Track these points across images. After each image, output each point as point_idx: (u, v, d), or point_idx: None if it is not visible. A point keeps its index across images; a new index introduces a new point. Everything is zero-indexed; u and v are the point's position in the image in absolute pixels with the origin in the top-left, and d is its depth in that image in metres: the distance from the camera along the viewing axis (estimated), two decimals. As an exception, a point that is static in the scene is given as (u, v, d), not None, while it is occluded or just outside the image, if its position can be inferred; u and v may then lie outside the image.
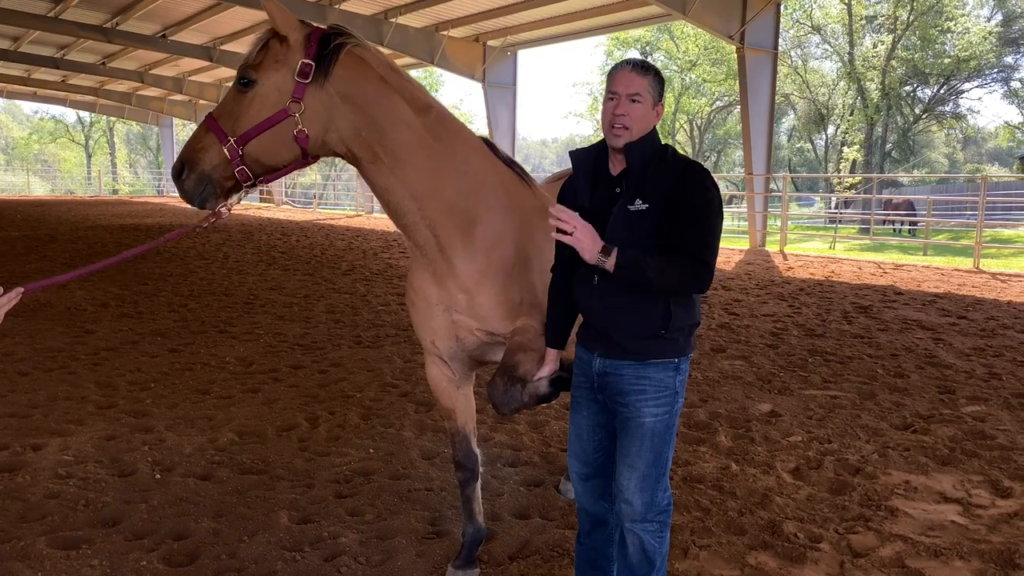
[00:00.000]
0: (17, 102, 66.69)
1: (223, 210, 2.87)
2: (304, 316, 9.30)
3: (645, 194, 2.56)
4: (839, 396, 6.16)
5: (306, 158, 2.85)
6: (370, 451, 4.96)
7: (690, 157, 2.70)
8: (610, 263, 2.46)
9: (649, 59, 44.79)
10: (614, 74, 2.61)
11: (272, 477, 4.52)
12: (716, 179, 2.73)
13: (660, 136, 2.70)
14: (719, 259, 11.35)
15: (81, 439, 5.04)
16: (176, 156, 2.84)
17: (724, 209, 2.69)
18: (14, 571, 3.38)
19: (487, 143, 3.23)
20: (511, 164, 3.28)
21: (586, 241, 2.47)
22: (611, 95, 2.60)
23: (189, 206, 3.05)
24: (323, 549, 3.67)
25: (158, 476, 4.50)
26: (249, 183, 2.80)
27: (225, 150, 2.71)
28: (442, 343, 3.16)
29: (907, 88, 40.14)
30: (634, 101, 2.56)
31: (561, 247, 2.81)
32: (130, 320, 8.91)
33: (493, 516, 4.02)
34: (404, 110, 2.86)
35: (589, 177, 2.73)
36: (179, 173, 2.80)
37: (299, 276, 12.61)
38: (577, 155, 2.77)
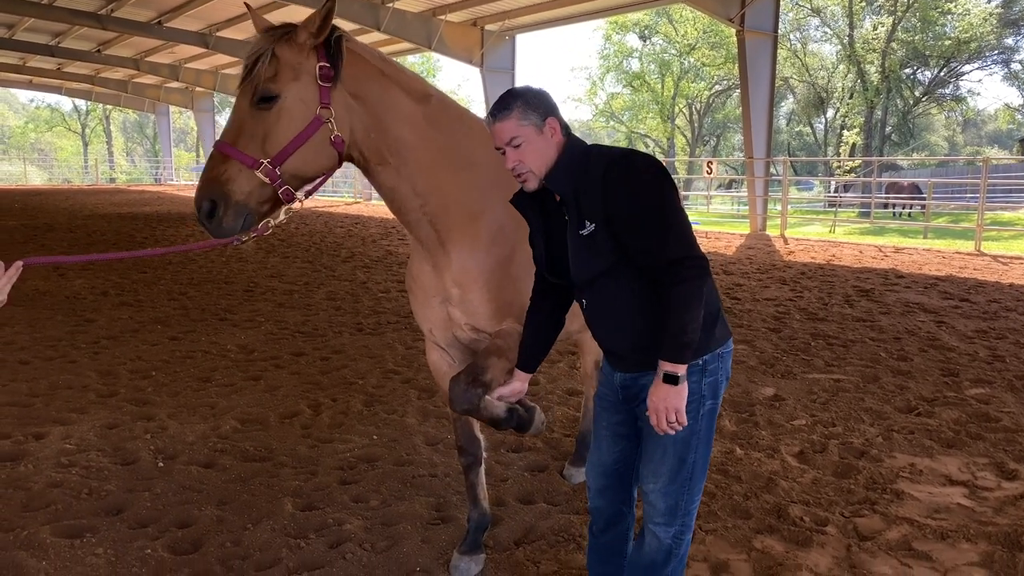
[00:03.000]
0: (12, 90, 66.31)
1: (261, 228, 2.77)
2: (304, 303, 9.27)
3: (587, 214, 2.38)
4: (842, 380, 6.14)
5: (339, 163, 2.77)
6: (373, 437, 4.95)
7: (615, 150, 2.45)
8: (683, 369, 2.31)
9: (647, 43, 44.60)
10: (490, 130, 2.45)
11: (275, 464, 4.50)
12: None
13: (579, 140, 2.49)
14: (719, 244, 11.36)
15: (83, 428, 5.02)
16: (199, 194, 2.59)
17: (669, 182, 2.39)
18: (18, 560, 3.37)
19: None
20: None
21: (674, 401, 2.33)
22: (498, 149, 2.46)
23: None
24: (328, 536, 3.66)
25: (161, 464, 4.48)
26: (292, 200, 2.69)
27: (258, 174, 2.57)
28: (439, 332, 3.14)
29: (907, 71, 39.97)
30: (516, 146, 2.40)
31: (537, 269, 2.70)
32: (130, 308, 8.88)
33: (498, 502, 4.01)
34: (405, 102, 2.80)
35: (539, 215, 2.59)
36: (212, 212, 2.58)
37: (299, 263, 12.58)
38: (518, 200, 2.62)
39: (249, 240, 2.77)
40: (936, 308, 8.92)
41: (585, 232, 2.39)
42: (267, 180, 2.58)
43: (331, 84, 2.64)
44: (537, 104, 2.40)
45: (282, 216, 2.77)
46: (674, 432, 2.39)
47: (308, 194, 2.74)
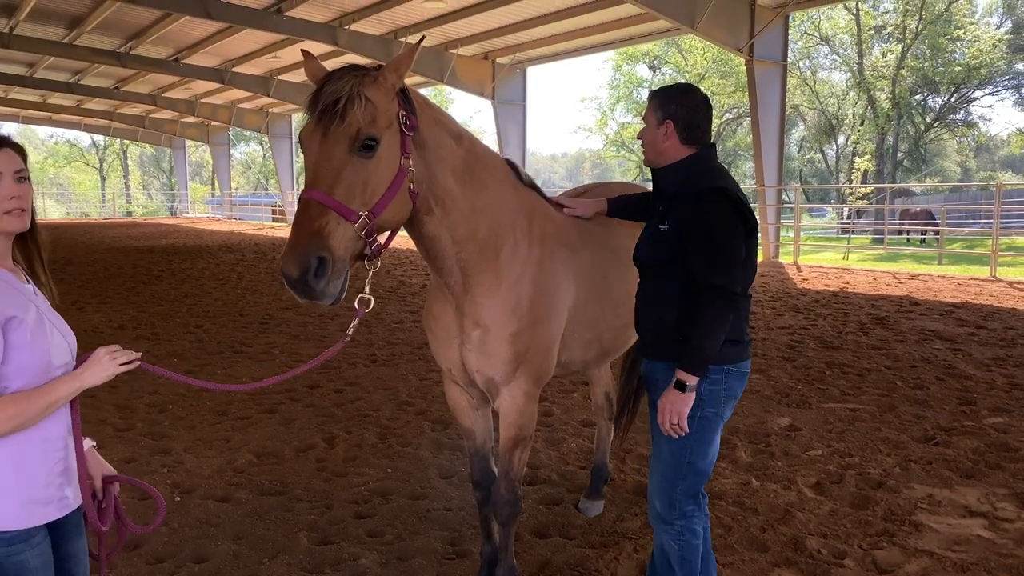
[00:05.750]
0: (32, 127, 67.47)
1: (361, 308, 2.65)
2: (319, 335, 9.33)
3: (670, 217, 2.76)
4: (858, 409, 6.10)
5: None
6: (388, 471, 4.95)
7: (717, 184, 2.73)
8: (694, 381, 2.65)
9: (657, 72, 44.93)
10: None
11: (291, 498, 4.51)
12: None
13: (709, 159, 2.84)
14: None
15: (100, 462, 5.05)
16: (303, 249, 2.31)
17: (738, 227, 2.69)
18: (37, 596, 3.38)
19: (511, 166, 3.20)
20: (533, 187, 3.26)
21: (678, 406, 2.66)
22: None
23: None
24: (344, 570, 3.66)
25: (178, 498, 4.51)
26: (378, 255, 2.53)
27: (355, 227, 2.38)
28: (459, 373, 3.14)
29: (917, 97, 40.02)
30: (645, 124, 2.85)
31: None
32: (146, 342, 8.96)
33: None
34: (452, 149, 2.77)
35: (656, 190, 3.01)
36: (320, 270, 2.32)
37: (313, 295, 12.62)
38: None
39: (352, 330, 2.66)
40: (952, 335, 8.86)
41: (662, 228, 2.79)
42: (362, 234, 2.40)
43: (413, 133, 2.56)
44: (667, 107, 2.80)
45: (367, 289, 2.61)
46: (676, 435, 2.71)
47: (383, 249, 2.56)
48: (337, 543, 3.94)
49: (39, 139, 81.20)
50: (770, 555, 3.78)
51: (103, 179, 66.54)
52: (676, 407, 2.66)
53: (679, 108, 2.79)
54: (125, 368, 2.18)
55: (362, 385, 7.02)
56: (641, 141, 2.92)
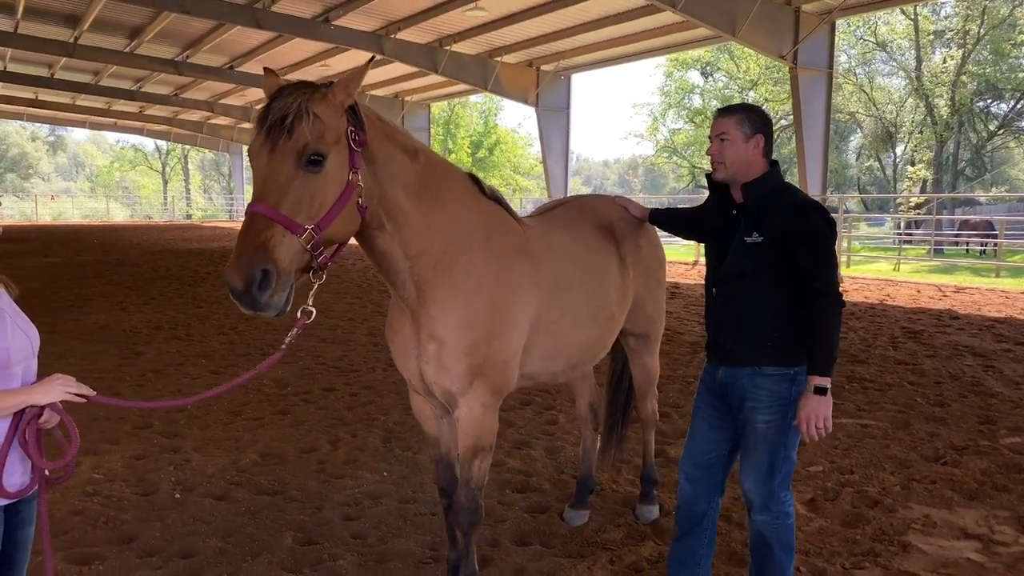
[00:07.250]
0: (100, 132, 70.02)
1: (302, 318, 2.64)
2: (346, 339, 9.50)
3: (761, 228, 2.90)
4: (870, 425, 5.97)
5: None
6: (384, 474, 5.04)
7: (808, 197, 3.01)
8: (830, 382, 2.83)
9: (710, 79, 44.49)
10: (713, 121, 3.04)
11: (285, 498, 4.63)
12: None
13: (779, 174, 3.01)
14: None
15: (113, 458, 5.26)
16: (247, 262, 2.36)
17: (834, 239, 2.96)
18: (28, 584, 3.55)
19: (473, 179, 3.25)
20: (497, 200, 3.29)
21: (823, 410, 2.81)
22: (709, 138, 3.03)
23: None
24: (322, 571, 3.75)
25: (178, 495, 4.66)
26: (325, 268, 2.58)
27: (301, 241, 2.43)
28: (418, 384, 3.18)
29: (980, 104, 38.72)
30: (722, 140, 2.94)
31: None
32: (179, 342, 9.25)
33: (492, 542, 4.04)
34: (404, 165, 2.82)
35: (720, 204, 3.11)
36: (264, 282, 2.36)
37: (348, 299, 12.88)
38: (713, 182, 3.13)
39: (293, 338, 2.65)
40: (987, 351, 8.58)
41: (750, 240, 2.92)
42: (308, 247, 2.45)
43: (361, 149, 2.61)
44: (755, 121, 2.94)
45: (311, 301, 2.63)
46: (818, 438, 2.84)
47: (330, 262, 2.60)
48: (320, 544, 4.03)
49: (107, 143, 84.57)
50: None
51: (165, 183, 68.69)
52: (822, 411, 2.81)
53: (765, 123, 2.96)
54: (71, 398, 2.37)
55: (377, 389, 7.14)
56: (713, 156, 2.98)
